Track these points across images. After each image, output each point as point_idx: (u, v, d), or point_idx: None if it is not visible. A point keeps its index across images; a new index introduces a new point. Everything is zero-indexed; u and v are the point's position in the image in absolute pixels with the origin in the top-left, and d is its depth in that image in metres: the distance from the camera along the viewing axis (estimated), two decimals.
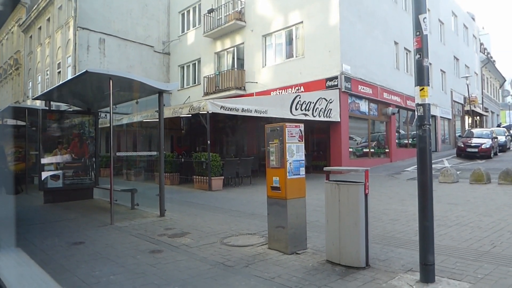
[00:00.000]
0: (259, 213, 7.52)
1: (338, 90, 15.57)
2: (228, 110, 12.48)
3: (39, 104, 12.39)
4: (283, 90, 17.29)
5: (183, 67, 24.68)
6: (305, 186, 5.04)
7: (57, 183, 9.47)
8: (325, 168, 4.87)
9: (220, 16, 20.89)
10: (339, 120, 15.64)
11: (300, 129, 4.96)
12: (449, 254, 4.61)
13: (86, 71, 6.87)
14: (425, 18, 3.76)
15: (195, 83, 23.54)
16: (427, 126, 3.74)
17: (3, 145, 11.54)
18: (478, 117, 34.69)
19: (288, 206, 4.80)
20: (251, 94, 18.69)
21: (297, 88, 16.76)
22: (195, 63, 23.68)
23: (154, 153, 12.09)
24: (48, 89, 9.82)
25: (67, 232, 6.40)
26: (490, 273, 3.90)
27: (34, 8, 28.06)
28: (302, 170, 4.95)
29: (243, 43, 20.04)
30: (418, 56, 3.78)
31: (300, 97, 14.18)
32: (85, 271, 4.28)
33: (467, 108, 30.50)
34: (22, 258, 1.25)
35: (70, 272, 4.24)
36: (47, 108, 10.21)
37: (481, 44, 39.63)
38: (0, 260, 1.34)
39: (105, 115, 14.30)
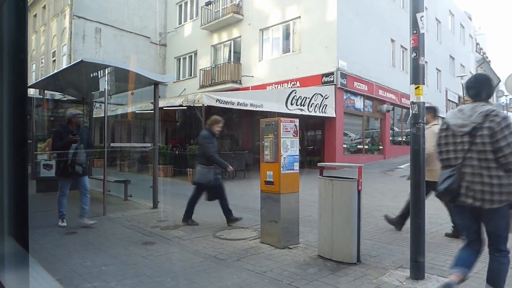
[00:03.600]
0: (252, 207, 7.53)
1: (334, 86, 15.59)
2: (223, 103, 12.45)
3: (33, 92, 12.27)
4: (279, 85, 17.28)
5: (179, 59, 24.55)
6: (299, 181, 5.06)
7: (50, 173, 9.41)
8: (319, 164, 4.89)
9: (218, 9, 20.75)
10: (334, 116, 15.68)
11: (295, 124, 4.96)
12: (439, 251, 4.66)
13: (82, 60, 6.81)
14: (422, 16, 3.76)
15: (191, 75, 23.44)
16: (422, 124, 3.75)
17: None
18: None
19: (281, 201, 4.82)
20: (247, 88, 18.65)
21: (293, 83, 16.75)
22: (191, 55, 23.56)
23: (149, 145, 12.05)
24: (42, 78, 9.73)
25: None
26: (479, 271, 3.94)
27: None
28: (296, 165, 4.97)
29: (240, 36, 19.95)
30: (414, 54, 3.78)
31: (296, 92, 14.17)
32: (77, 261, 4.28)
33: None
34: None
35: (62, 262, 4.24)
36: (41, 97, 10.13)
37: (477, 44, 39.72)
38: None
39: (100, 105, 14.22)
